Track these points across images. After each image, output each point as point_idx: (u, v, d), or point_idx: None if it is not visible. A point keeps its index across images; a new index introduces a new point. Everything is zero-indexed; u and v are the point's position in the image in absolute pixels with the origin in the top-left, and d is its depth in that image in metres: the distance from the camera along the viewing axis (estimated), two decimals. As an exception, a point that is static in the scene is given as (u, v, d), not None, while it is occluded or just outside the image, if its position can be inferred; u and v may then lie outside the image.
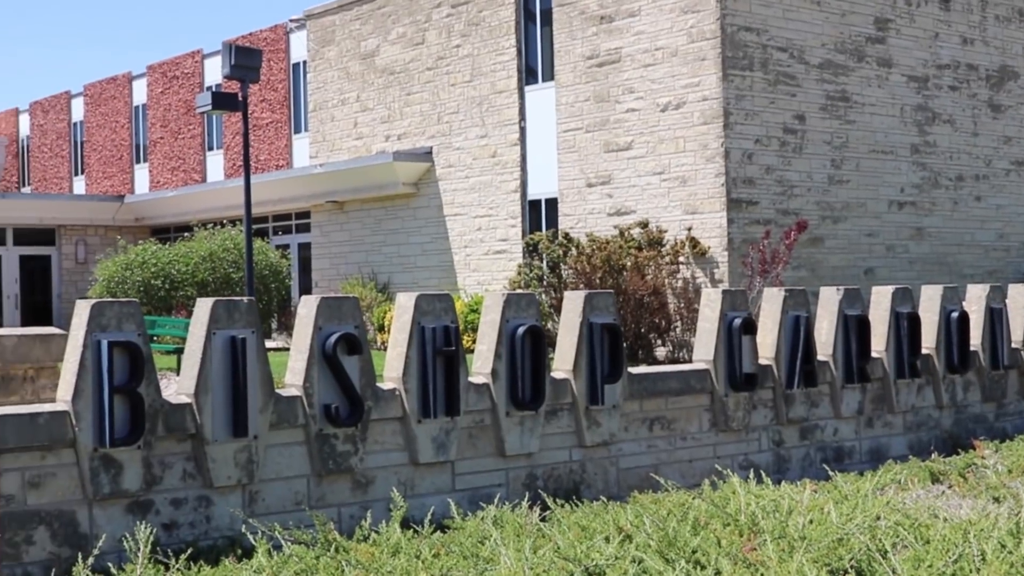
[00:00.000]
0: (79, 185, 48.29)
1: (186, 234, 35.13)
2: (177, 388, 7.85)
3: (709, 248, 23.64)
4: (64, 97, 49.41)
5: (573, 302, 9.69)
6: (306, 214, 34.90)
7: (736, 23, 23.80)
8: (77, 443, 7.23)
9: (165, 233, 39.99)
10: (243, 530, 7.68)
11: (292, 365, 8.27)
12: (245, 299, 7.92)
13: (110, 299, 7.48)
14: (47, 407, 7.25)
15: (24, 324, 39.10)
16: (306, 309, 8.30)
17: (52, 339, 7.51)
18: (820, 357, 11.18)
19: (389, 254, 31.84)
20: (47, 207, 40.36)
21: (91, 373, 7.28)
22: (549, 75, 27.96)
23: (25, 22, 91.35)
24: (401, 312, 8.77)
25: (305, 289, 34.47)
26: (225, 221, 34.38)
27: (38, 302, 40.24)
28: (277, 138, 37.93)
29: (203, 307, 7.83)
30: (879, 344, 11.70)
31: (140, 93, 44.97)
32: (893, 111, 26.27)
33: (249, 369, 7.81)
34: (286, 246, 35.13)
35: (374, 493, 8.50)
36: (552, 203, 27.61)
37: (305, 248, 35.00)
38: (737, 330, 10.42)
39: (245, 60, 22.78)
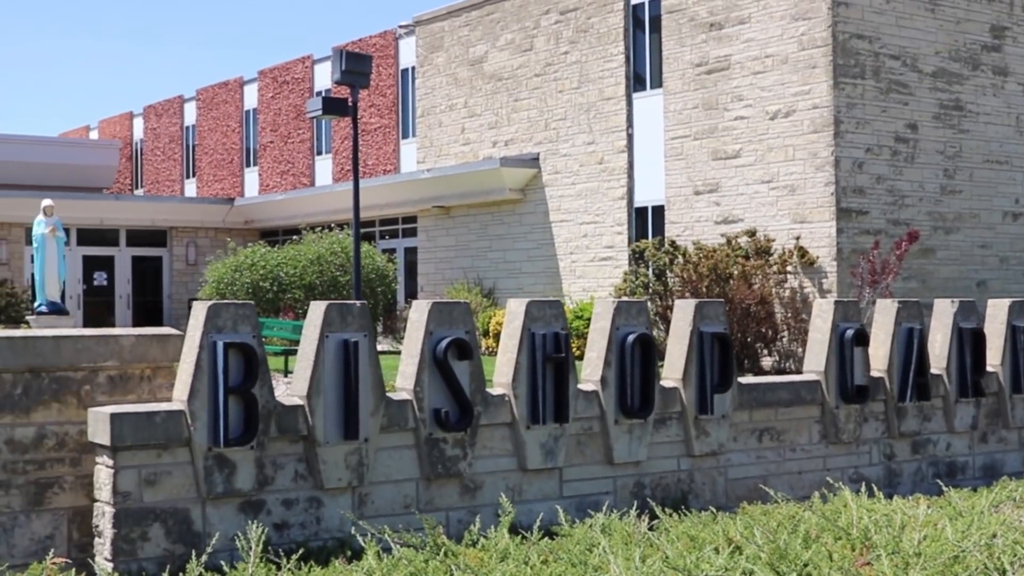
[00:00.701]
0: (190, 188, 49.04)
1: (294, 237, 35.48)
2: (290, 390, 7.93)
3: (818, 258, 23.39)
4: (177, 101, 50.22)
5: (684, 311, 9.63)
6: (413, 219, 35.12)
7: (848, 30, 23.53)
8: (192, 442, 7.34)
9: (274, 236, 40.48)
10: (352, 532, 7.73)
11: (403, 369, 8.32)
12: (358, 303, 7.98)
13: (226, 301, 7.58)
14: (164, 406, 7.36)
15: (135, 324, 39.81)
16: (418, 314, 8.34)
17: (169, 339, 7.61)
18: (933, 370, 11.00)
19: (494, 259, 31.93)
20: (159, 209, 41.05)
21: (207, 374, 7.38)
22: (657, 82, 27.86)
23: (140, 28, 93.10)
24: (512, 318, 8.78)
25: (410, 293, 34.68)
26: (333, 225, 34.69)
27: (149, 302, 40.93)
28: (385, 143, 38.21)
29: (316, 310, 7.90)
30: (994, 358, 11.48)
31: (251, 98, 45.56)
32: (1008, 120, 25.80)
33: (361, 372, 7.87)
34: (392, 250, 35.38)
35: (482, 498, 8.51)
36: (659, 210, 27.50)
37: (411, 252, 35.22)
38: (849, 341, 10.29)
39: (356, 66, 22.97)
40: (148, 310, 40.74)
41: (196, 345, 7.37)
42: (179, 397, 7.42)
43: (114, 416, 7.10)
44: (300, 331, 23.83)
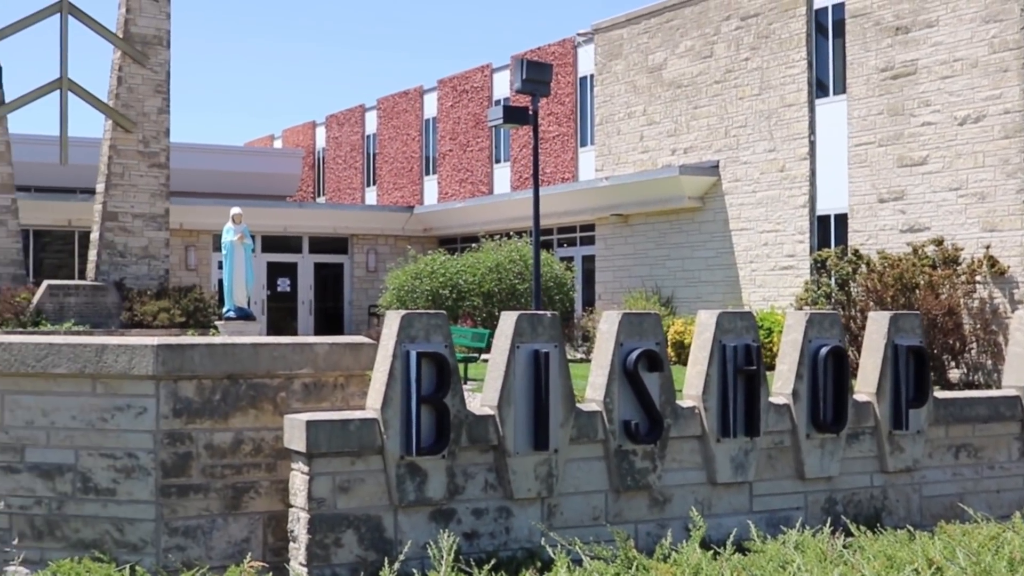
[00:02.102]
0: (371, 195, 49.79)
1: (473, 245, 35.77)
2: (481, 400, 7.95)
3: (1009, 267, 22.70)
4: (358, 111, 51.06)
5: (877, 323, 9.41)
6: (590, 227, 35.11)
7: (1043, 33, 22.81)
8: (385, 451, 7.40)
9: (452, 243, 40.86)
10: (542, 543, 7.71)
11: (593, 380, 8.28)
12: (549, 313, 7.96)
13: (419, 311, 7.63)
14: (357, 415, 7.44)
15: (316, 329, 40.55)
16: (608, 325, 8.29)
17: (362, 348, 7.70)
18: None
19: (673, 268, 31.72)
20: (340, 217, 41.76)
21: (400, 383, 7.43)
22: (840, 88, 27.38)
23: (322, 39, 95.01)
24: (702, 329, 8.68)
25: (588, 302, 34.66)
26: (511, 232, 34.86)
27: (330, 308, 41.66)
28: (563, 151, 38.27)
29: (507, 320, 7.91)
30: None
31: (431, 106, 46.08)
32: None
33: (551, 383, 7.85)
34: (570, 258, 35.40)
35: (671, 511, 8.42)
36: (841, 219, 27.01)
37: (589, 260, 35.21)
38: (1051, 356, 9.94)
39: (536, 74, 23.01)
40: (329, 316, 41.47)
41: (389, 354, 7.44)
42: (372, 406, 7.49)
43: (310, 423, 7.20)
44: (479, 338, 24.11)
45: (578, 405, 8.12)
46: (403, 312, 7.50)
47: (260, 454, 7.60)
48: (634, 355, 8.18)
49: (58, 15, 34.40)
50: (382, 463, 7.42)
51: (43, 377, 7.50)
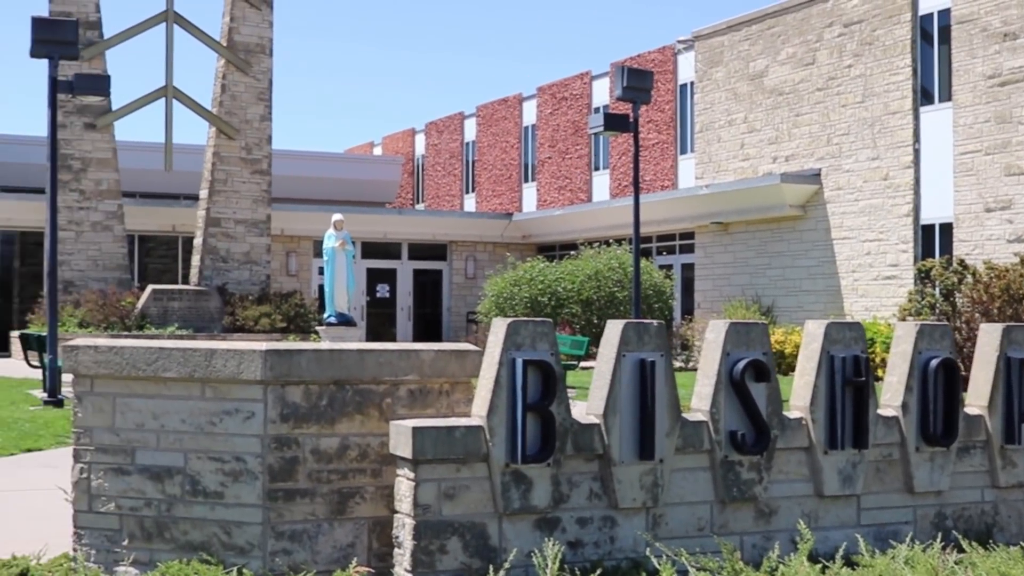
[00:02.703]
0: (469, 203, 49.98)
1: (571, 252, 35.75)
2: (586, 408, 7.91)
3: (1121, 279, 22.23)
4: (457, 118, 51.27)
5: (989, 335, 9.23)
6: (690, 235, 34.94)
7: None
8: (490, 458, 7.39)
9: (551, 251, 40.87)
10: (647, 553, 7.66)
11: (698, 390, 8.21)
12: (655, 322, 7.91)
13: (525, 319, 7.61)
14: (463, 421, 7.44)
15: (415, 336, 40.79)
16: (714, 334, 8.22)
17: (467, 355, 7.71)
18: None
19: (773, 277, 31.47)
20: (439, 223, 41.97)
21: (505, 390, 7.42)
22: (946, 95, 27.00)
23: (422, 46, 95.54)
24: (810, 340, 8.57)
25: (687, 310, 34.49)
26: (610, 240, 34.79)
27: (428, 314, 41.88)
28: (663, 159, 38.12)
29: (613, 329, 7.86)
30: None
31: (530, 114, 46.16)
32: None
33: (657, 392, 7.79)
34: (669, 266, 35.26)
35: (776, 523, 8.32)
36: (946, 228, 26.62)
37: (688, 269, 35.05)
38: None
39: (636, 82, 22.95)
40: (428, 322, 41.70)
41: (495, 361, 7.43)
42: (478, 413, 7.48)
43: (416, 430, 7.21)
44: (578, 346, 24.07)
45: (684, 415, 8.05)
46: (509, 320, 7.49)
47: (366, 460, 7.63)
48: (741, 365, 8.10)
49: (164, 24, 34.95)
50: (487, 470, 7.41)
51: (154, 381, 7.59)
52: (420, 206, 53.27)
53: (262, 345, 7.40)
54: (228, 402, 7.47)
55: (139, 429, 7.64)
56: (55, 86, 19.85)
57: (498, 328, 7.54)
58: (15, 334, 33.17)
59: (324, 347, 7.61)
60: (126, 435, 7.67)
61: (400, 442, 7.35)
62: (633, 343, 7.85)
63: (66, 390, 19.87)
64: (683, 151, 37.59)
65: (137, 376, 7.59)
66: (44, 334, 20.71)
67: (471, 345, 8.00)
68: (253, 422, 7.41)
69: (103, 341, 7.72)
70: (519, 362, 7.43)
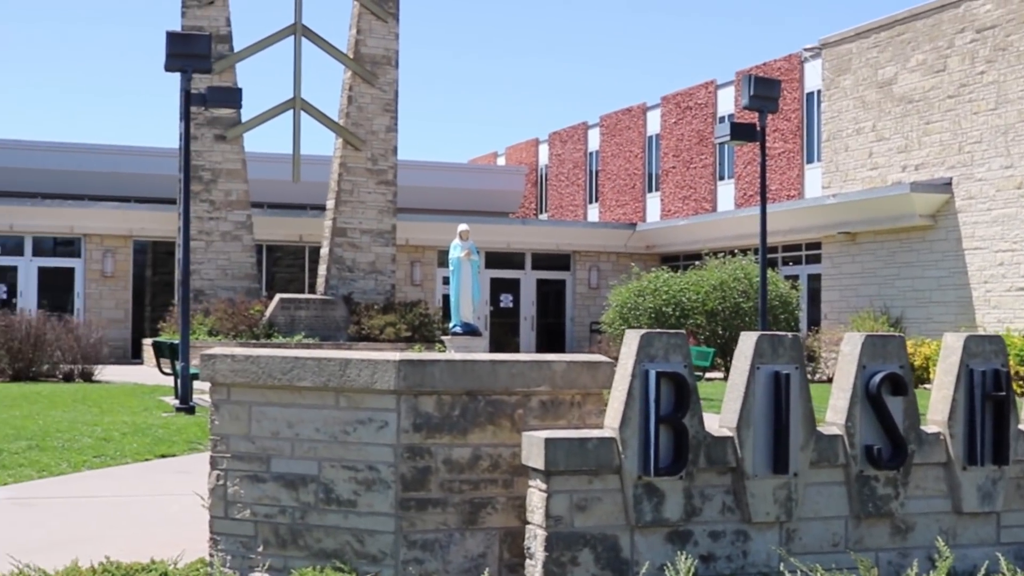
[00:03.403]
0: (593, 213, 49.94)
1: (696, 262, 35.53)
2: (719, 421, 7.84)
3: None
4: (581, 128, 51.28)
5: None
6: (816, 245, 34.54)
7: None
8: (622, 470, 7.35)
9: (675, 261, 40.67)
10: (780, 568, 7.56)
11: (833, 403, 8.09)
12: (790, 335, 7.82)
13: (658, 330, 7.56)
14: (595, 433, 7.42)
15: (538, 346, 40.85)
16: (850, 347, 8.09)
17: (599, 367, 7.69)
18: None
19: (902, 288, 30.96)
20: (563, 233, 41.99)
21: (638, 402, 7.38)
22: (1084, 102, 26.35)
23: (545, 56, 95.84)
24: (948, 353, 8.40)
25: (813, 321, 34.09)
26: (736, 250, 34.51)
27: (551, 324, 41.91)
28: (789, 168, 37.73)
29: (747, 341, 7.78)
30: None
31: (654, 123, 46.01)
32: None
33: (792, 405, 7.69)
34: (795, 277, 34.87)
35: (913, 540, 8.16)
36: (1084, 238, 25.98)
37: (814, 279, 34.64)
38: None
39: (764, 91, 22.74)
40: (551, 332, 41.73)
41: (628, 373, 7.39)
42: (610, 424, 7.45)
43: (548, 441, 7.20)
44: (703, 357, 23.92)
45: (818, 428, 7.94)
46: (643, 331, 7.45)
47: (497, 470, 7.64)
48: (877, 378, 7.96)
49: (292, 37, 35.47)
50: (619, 482, 7.37)
51: (289, 390, 7.68)
52: (543, 216, 53.36)
53: (395, 355, 7.45)
54: (362, 411, 7.53)
55: (274, 437, 7.74)
56: (188, 99, 20.23)
57: (631, 340, 7.51)
58: (148, 342, 33.86)
59: (457, 358, 7.64)
60: (261, 443, 7.77)
61: (532, 453, 7.35)
62: (767, 355, 7.76)
63: (197, 397, 20.23)
64: (810, 160, 37.17)
65: (273, 385, 7.69)
66: (176, 342, 21.10)
67: (603, 357, 7.97)
68: (386, 432, 7.46)
69: (240, 350, 7.84)
70: (652, 374, 7.39)
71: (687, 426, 7.45)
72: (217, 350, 7.94)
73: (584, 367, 7.83)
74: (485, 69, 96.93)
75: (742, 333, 7.89)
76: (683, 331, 7.65)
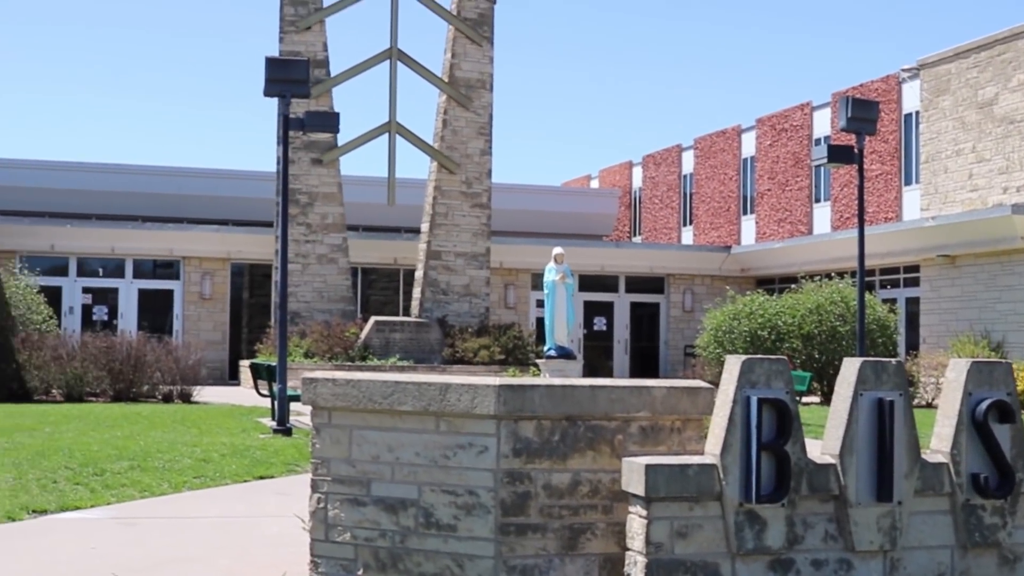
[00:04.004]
0: (687, 235, 49.74)
1: (792, 286, 35.22)
2: (821, 448, 7.76)
3: None
4: (675, 150, 51.13)
5: None
6: (915, 268, 34.09)
7: None
8: (723, 497, 7.29)
9: (770, 284, 40.35)
10: (887, 598, 7.46)
11: (938, 431, 7.97)
12: (893, 361, 7.72)
13: (760, 356, 7.51)
14: (696, 459, 7.37)
15: (632, 369, 40.72)
16: (955, 373, 7.97)
17: (699, 392, 7.64)
18: None
19: (1003, 311, 30.45)
20: (656, 256, 41.85)
21: (739, 428, 7.32)
22: None
23: (638, 79, 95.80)
24: (1056, 380, 8.26)
25: (911, 345, 33.63)
26: (832, 273, 34.16)
27: (645, 348, 41.75)
28: (886, 190, 37.32)
29: (850, 367, 7.70)
30: None
31: (748, 145, 45.76)
32: None
33: (896, 433, 7.59)
34: (893, 300, 34.43)
35: (1021, 570, 8.00)
36: None
37: (912, 303, 34.17)
38: None
39: (861, 113, 22.51)
40: (644, 356, 41.56)
41: (729, 399, 7.34)
42: (711, 451, 7.40)
43: (648, 467, 7.17)
44: (799, 381, 23.67)
45: (922, 456, 7.82)
46: (744, 357, 7.40)
47: (597, 496, 7.61)
48: (984, 405, 7.84)
49: (387, 61, 35.77)
50: (720, 509, 7.32)
51: (389, 414, 7.72)
52: (637, 239, 53.24)
53: (495, 380, 7.46)
54: (462, 436, 7.55)
55: (375, 461, 7.77)
56: (287, 124, 20.46)
57: (732, 366, 7.46)
58: (245, 363, 34.23)
59: (556, 383, 7.63)
60: (362, 467, 7.81)
61: (632, 479, 7.31)
62: (871, 381, 7.67)
63: (294, 418, 20.40)
64: (908, 182, 36.74)
65: (373, 409, 7.73)
66: (273, 364, 21.29)
67: (703, 383, 7.93)
68: (486, 456, 7.47)
69: (341, 374, 7.89)
70: (754, 400, 7.33)
71: (789, 453, 7.37)
72: (318, 374, 8.00)
73: (684, 393, 7.78)
74: (578, 92, 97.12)
75: (845, 359, 7.81)
76: (784, 357, 7.58)
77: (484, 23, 36.72)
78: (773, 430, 7.37)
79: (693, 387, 7.83)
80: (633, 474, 7.31)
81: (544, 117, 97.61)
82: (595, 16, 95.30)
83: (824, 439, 7.76)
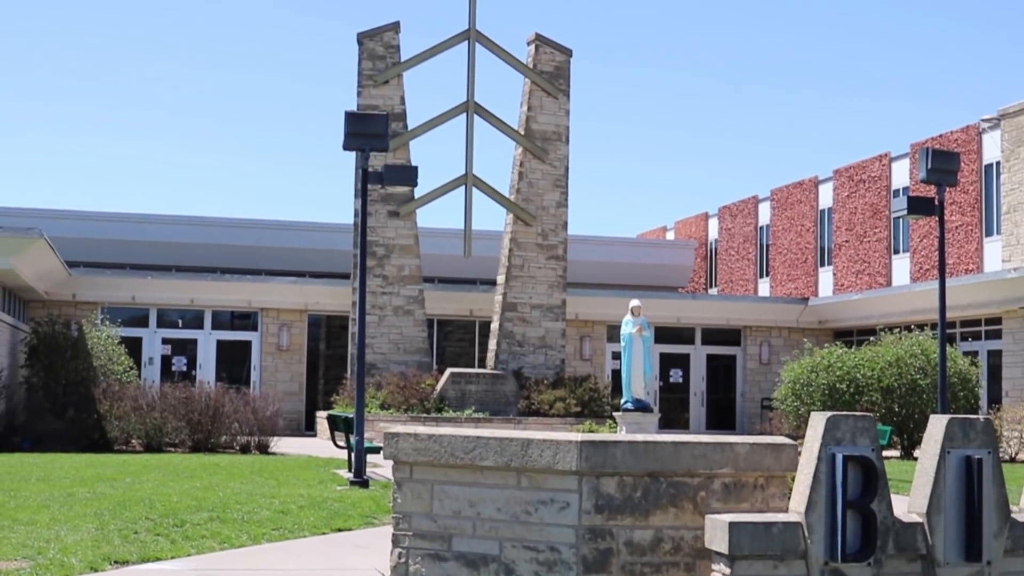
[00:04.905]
0: (763, 287, 49.43)
1: (870, 338, 34.85)
2: (908, 506, 7.65)
3: None
4: (751, 202, 50.94)
5: None
6: (996, 320, 33.61)
7: None
8: (808, 555, 7.21)
9: (848, 336, 39.94)
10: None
11: (1027, 489, 7.84)
12: (981, 417, 7.60)
13: (845, 413, 7.44)
14: (781, 517, 7.29)
15: (708, 422, 40.41)
16: (1045, 430, 7.85)
17: (783, 449, 7.57)
18: None
19: (1088, 365, 29.93)
20: (733, 308, 41.58)
21: (825, 486, 7.24)
22: None
23: (713, 131, 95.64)
24: None
25: (994, 399, 33.11)
26: (912, 325, 33.76)
27: (721, 400, 41.44)
28: (966, 241, 36.90)
29: (937, 424, 7.60)
30: None
31: (826, 196, 45.50)
32: None
33: (984, 491, 7.47)
34: (974, 352, 33.93)
35: (1114, 633, 7.82)
36: None
37: (994, 355, 33.66)
38: None
39: (941, 164, 22.29)
40: (720, 408, 41.25)
41: (814, 456, 7.27)
42: (796, 508, 7.32)
43: (732, 525, 7.10)
44: (880, 435, 23.35)
45: (1012, 515, 7.69)
46: (828, 414, 7.33)
47: (679, 553, 7.55)
48: (1075, 464, 7.70)
49: (463, 114, 36.00)
50: (805, 568, 7.23)
51: (470, 469, 7.71)
52: (713, 290, 52.99)
53: (577, 436, 7.44)
54: (543, 492, 7.52)
55: (456, 516, 7.76)
56: (366, 177, 20.61)
57: (816, 423, 7.39)
58: (321, 414, 34.37)
59: (639, 439, 7.60)
60: (443, 521, 7.80)
61: (716, 536, 7.25)
62: (958, 439, 7.56)
63: (370, 470, 20.43)
64: (988, 233, 36.32)
65: (455, 464, 7.73)
66: (351, 416, 21.36)
67: (787, 439, 7.85)
68: (568, 512, 7.44)
69: (423, 429, 7.91)
70: (839, 457, 7.25)
71: (875, 511, 7.28)
72: (400, 428, 8.02)
73: (768, 449, 7.71)
74: (654, 142, 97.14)
75: (931, 416, 7.70)
76: (870, 414, 7.49)
77: (560, 76, 36.87)
78: (859, 488, 7.28)
79: (777, 443, 7.76)
80: (716, 531, 7.24)
81: (619, 168, 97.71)
82: (670, 67, 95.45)
83: (910, 497, 7.65)
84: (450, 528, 7.78)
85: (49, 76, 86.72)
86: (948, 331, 34.48)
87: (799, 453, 7.55)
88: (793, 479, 7.60)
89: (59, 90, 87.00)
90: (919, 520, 7.47)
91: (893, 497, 7.53)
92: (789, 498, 7.57)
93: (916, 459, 26.41)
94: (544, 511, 7.52)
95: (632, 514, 7.49)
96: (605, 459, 7.41)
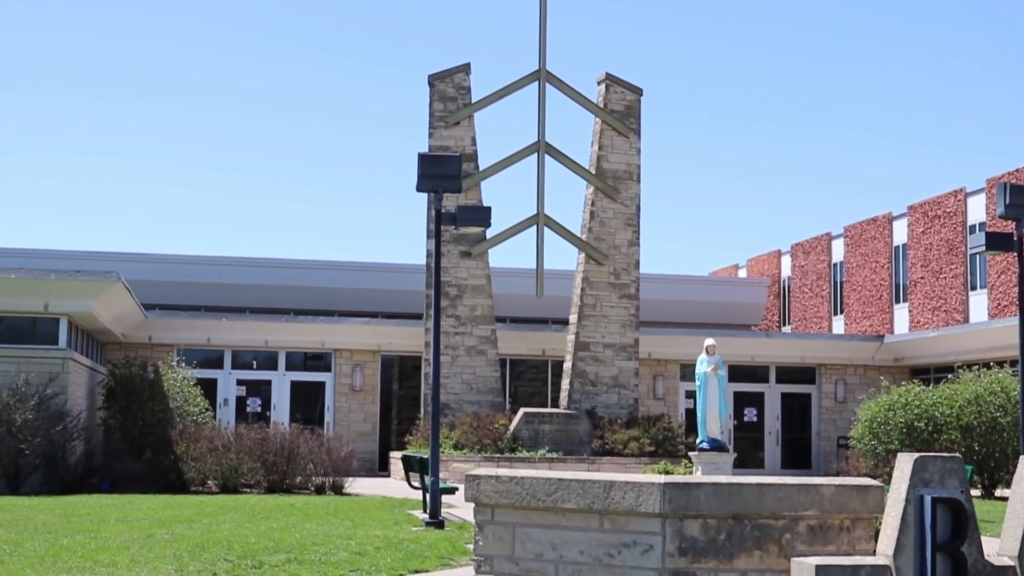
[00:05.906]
0: (838, 324, 49.00)
1: (947, 375, 34.39)
2: (998, 549, 7.51)
3: None
4: (824, 239, 50.57)
5: None
6: (1077, 357, 33.03)
7: None
8: (896, 599, 7.09)
9: (925, 373, 39.46)
10: None
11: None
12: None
13: (933, 454, 7.32)
14: (868, 560, 7.19)
15: (783, 461, 40.02)
16: None
17: (869, 491, 7.46)
18: None
19: None
20: (807, 346, 41.24)
21: (913, 529, 7.14)
22: None
23: (787, 169, 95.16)
24: None
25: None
26: (991, 363, 33.26)
27: (796, 439, 41.05)
28: (1045, 277, 36.36)
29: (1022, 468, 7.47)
30: None
31: (900, 233, 45.07)
32: None
33: (1078, 534, 7.32)
34: (1054, 390, 33.35)
35: None
36: None
37: (1076, 393, 33.07)
38: None
39: (1020, 198, 21.97)
40: (796, 447, 40.86)
41: (902, 498, 7.16)
42: (883, 551, 7.21)
43: (819, 568, 7.02)
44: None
45: (1107, 558, 7.52)
46: (916, 455, 7.23)
47: (757, 598, 7.46)
48: None
49: (535, 154, 36.09)
50: (894, 612, 7.11)
51: (552, 511, 7.67)
52: (787, 328, 52.59)
53: (660, 478, 7.38)
54: (626, 534, 7.47)
55: (538, 559, 7.72)
56: (439, 218, 20.68)
57: (904, 463, 7.29)
58: (395, 454, 34.42)
59: (722, 480, 7.52)
60: (525, 564, 7.77)
61: (802, 580, 7.16)
62: (1050, 480, 7.42)
63: (445, 511, 20.40)
64: (1066, 269, 35.78)
65: (536, 506, 7.70)
66: (425, 456, 21.36)
67: (873, 481, 7.74)
68: (651, 555, 7.38)
69: (504, 471, 7.88)
70: (927, 500, 7.14)
71: (965, 554, 7.16)
72: (481, 471, 8.00)
73: (854, 491, 7.62)
74: (725, 180, 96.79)
75: (1022, 457, 7.57)
76: (958, 455, 7.37)
77: (631, 115, 36.89)
78: (948, 530, 7.17)
79: (863, 485, 7.66)
80: (803, 574, 7.15)
81: (691, 206, 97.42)
82: (740, 104, 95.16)
83: (1001, 539, 7.52)
84: (532, 571, 7.74)
85: (129, 127, 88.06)
86: (1028, 368, 34.00)
87: (885, 494, 7.45)
88: (879, 521, 7.49)
89: (140, 142, 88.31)
90: (1011, 563, 7.34)
91: (983, 539, 7.41)
92: (876, 541, 7.46)
93: (997, 498, 25.91)
94: (627, 554, 7.46)
95: (716, 557, 7.41)
96: (688, 501, 7.35)
